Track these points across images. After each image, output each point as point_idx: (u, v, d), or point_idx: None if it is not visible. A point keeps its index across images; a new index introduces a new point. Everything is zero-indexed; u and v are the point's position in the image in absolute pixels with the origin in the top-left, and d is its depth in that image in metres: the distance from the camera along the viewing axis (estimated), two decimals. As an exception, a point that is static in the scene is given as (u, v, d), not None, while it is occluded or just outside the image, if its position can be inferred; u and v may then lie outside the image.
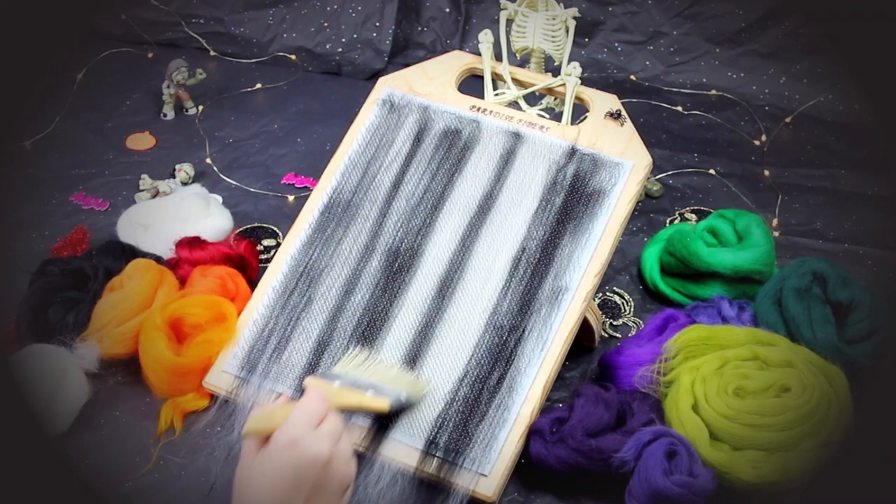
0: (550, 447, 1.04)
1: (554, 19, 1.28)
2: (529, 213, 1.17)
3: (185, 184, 1.45)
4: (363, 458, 1.06)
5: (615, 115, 1.20)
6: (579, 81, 1.24)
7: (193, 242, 1.27)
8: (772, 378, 1.08)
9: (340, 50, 1.72)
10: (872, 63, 1.49)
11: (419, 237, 1.17)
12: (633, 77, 1.68)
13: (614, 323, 1.28)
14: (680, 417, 1.06)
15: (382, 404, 0.91)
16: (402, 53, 1.72)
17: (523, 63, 1.36)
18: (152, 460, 1.09)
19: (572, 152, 1.19)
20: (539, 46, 1.29)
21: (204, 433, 1.11)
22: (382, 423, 1.01)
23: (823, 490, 0.99)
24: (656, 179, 1.48)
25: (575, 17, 1.28)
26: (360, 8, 1.72)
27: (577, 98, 1.25)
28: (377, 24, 1.71)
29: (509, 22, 1.31)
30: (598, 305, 1.29)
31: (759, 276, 1.25)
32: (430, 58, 1.32)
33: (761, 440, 1.04)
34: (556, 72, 1.28)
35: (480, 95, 1.27)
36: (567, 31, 1.29)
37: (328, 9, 1.73)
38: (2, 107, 1.47)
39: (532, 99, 1.32)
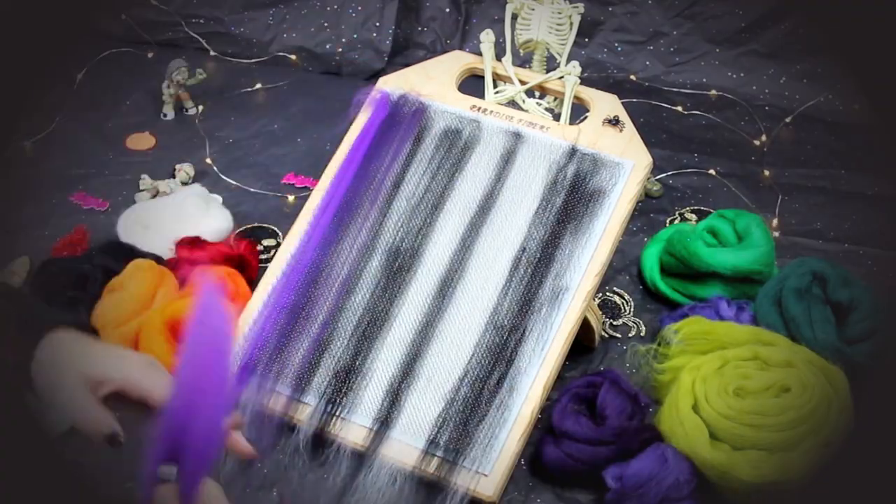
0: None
1: (560, 13, 1.29)
2: (530, 213, 1.17)
3: (185, 184, 1.45)
4: (363, 458, 1.06)
5: (613, 122, 1.20)
6: (578, 81, 1.24)
7: (193, 242, 1.27)
8: (772, 378, 1.08)
9: (340, 50, 1.72)
10: (872, 63, 1.49)
11: (419, 237, 1.17)
12: (633, 77, 1.68)
13: (614, 323, 1.28)
14: (680, 417, 1.07)
15: None
16: (402, 53, 1.73)
17: (525, 63, 1.36)
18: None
19: (573, 152, 1.19)
20: (543, 39, 1.29)
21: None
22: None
23: (823, 490, 0.99)
24: (656, 179, 1.48)
25: (580, 14, 1.29)
26: (360, 8, 1.72)
27: (577, 98, 1.25)
28: (377, 24, 1.71)
29: (514, 17, 1.31)
30: (598, 305, 1.29)
31: (759, 276, 1.25)
32: (430, 58, 1.32)
33: (761, 440, 1.04)
34: (556, 72, 1.28)
35: (480, 96, 1.27)
36: (571, 25, 1.29)
37: (328, 9, 1.73)
38: (2, 107, 1.47)
39: (532, 97, 1.32)
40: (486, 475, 1.03)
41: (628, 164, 1.17)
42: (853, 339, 1.18)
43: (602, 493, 1.05)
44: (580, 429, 1.07)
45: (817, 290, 1.20)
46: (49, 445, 1.08)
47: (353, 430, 1.07)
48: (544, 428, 1.11)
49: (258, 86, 1.66)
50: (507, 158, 1.20)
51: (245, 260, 1.28)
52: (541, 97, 1.35)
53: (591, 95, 1.24)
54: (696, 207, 1.45)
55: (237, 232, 1.37)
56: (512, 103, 1.27)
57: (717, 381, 1.08)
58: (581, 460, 1.06)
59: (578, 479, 1.07)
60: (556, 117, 1.26)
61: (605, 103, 1.23)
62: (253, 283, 1.21)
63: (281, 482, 1.07)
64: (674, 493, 1.01)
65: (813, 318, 1.18)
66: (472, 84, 1.30)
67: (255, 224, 1.40)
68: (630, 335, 1.26)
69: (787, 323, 1.19)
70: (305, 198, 1.23)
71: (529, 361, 1.08)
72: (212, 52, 1.72)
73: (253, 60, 1.71)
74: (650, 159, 1.18)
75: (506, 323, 1.10)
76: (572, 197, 1.16)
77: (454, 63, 1.29)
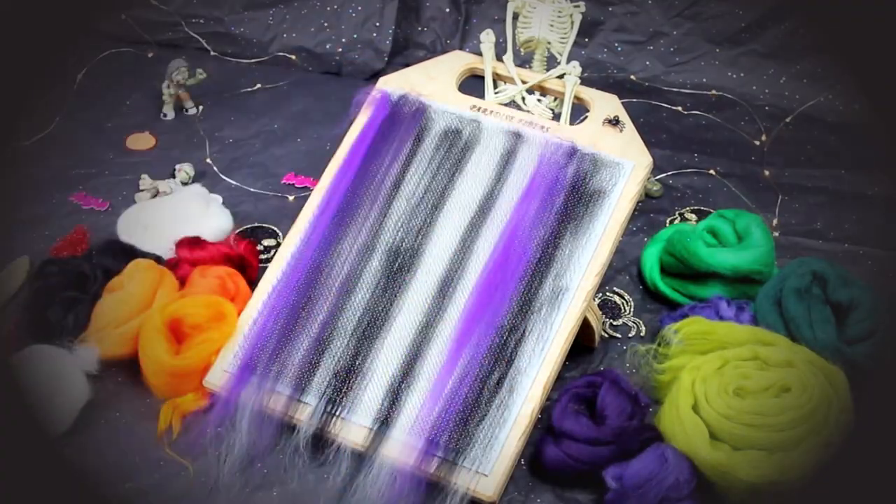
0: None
1: (560, 12, 1.29)
2: (530, 214, 1.16)
3: (185, 184, 1.45)
4: (364, 458, 1.06)
5: (613, 122, 1.20)
6: (578, 81, 1.24)
7: (193, 242, 1.27)
8: (772, 378, 1.08)
9: (340, 50, 1.72)
10: (872, 63, 1.49)
11: (419, 237, 1.17)
12: (633, 77, 1.68)
13: (614, 323, 1.28)
14: (680, 417, 1.07)
15: None
16: (402, 53, 1.73)
17: (525, 63, 1.36)
18: (152, 461, 1.09)
19: (573, 152, 1.19)
20: (544, 37, 1.29)
21: (204, 433, 1.11)
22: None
23: (823, 490, 0.99)
24: (656, 179, 1.48)
25: (581, 13, 1.29)
26: (360, 8, 1.72)
27: (577, 98, 1.25)
28: (377, 24, 1.71)
29: (515, 16, 1.31)
30: (598, 305, 1.29)
31: (759, 276, 1.25)
32: (430, 58, 1.32)
33: (761, 440, 1.04)
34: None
35: (480, 96, 1.27)
36: (572, 24, 1.29)
37: (328, 9, 1.73)
38: (2, 107, 1.47)
39: (532, 96, 1.32)
40: (485, 475, 1.03)
41: (628, 165, 1.17)
42: (853, 339, 1.18)
43: (602, 493, 1.05)
44: (580, 429, 1.07)
45: (817, 290, 1.20)
46: (49, 445, 1.08)
47: (353, 430, 1.07)
48: (544, 428, 1.11)
49: (258, 86, 1.66)
50: (507, 158, 1.20)
51: (245, 260, 1.28)
52: (542, 96, 1.35)
53: (592, 95, 1.24)
54: (696, 207, 1.45)
55: (237, 232, 1.37)
56: (512, 103, 1.27)
57: (717, 381, 1.08)
58: (581, 460, 1.06)
59: (578, 479, 1.07)
60: (557, 117, 1.26)
61: (605, 103, 1.23)
62: (253, 283, 1.21)
63: (281, 482, 1.07)
64: (674, 493, 1.01)
65: (813, 318, 1.18)
66: (472, 84, 1.30)
67: (255, 224, 1.40)
68: (630, 335, 1.26)
69: (787, 323, 1.19)
70: (305, 198, 1.23)
71: (529, 361, 1.08)
72: (212, 52, 1.72)
73: (253, 60, 1.71)
74: (650, 159, 1.18)
75: (506, 323, 1.10)
76: (572, 197, 1.16)
77: (454, 63, 1.29)
